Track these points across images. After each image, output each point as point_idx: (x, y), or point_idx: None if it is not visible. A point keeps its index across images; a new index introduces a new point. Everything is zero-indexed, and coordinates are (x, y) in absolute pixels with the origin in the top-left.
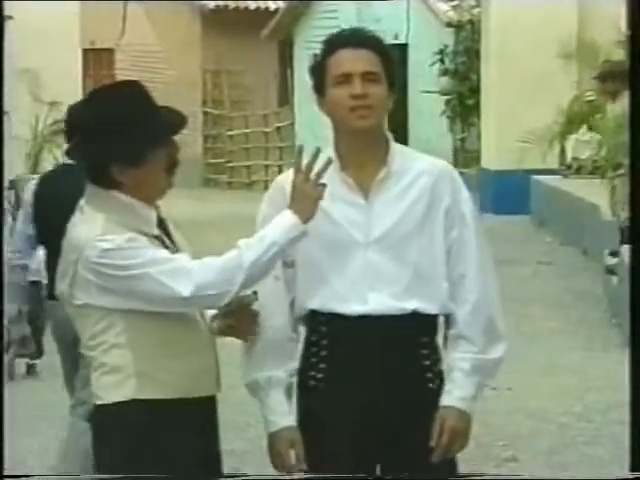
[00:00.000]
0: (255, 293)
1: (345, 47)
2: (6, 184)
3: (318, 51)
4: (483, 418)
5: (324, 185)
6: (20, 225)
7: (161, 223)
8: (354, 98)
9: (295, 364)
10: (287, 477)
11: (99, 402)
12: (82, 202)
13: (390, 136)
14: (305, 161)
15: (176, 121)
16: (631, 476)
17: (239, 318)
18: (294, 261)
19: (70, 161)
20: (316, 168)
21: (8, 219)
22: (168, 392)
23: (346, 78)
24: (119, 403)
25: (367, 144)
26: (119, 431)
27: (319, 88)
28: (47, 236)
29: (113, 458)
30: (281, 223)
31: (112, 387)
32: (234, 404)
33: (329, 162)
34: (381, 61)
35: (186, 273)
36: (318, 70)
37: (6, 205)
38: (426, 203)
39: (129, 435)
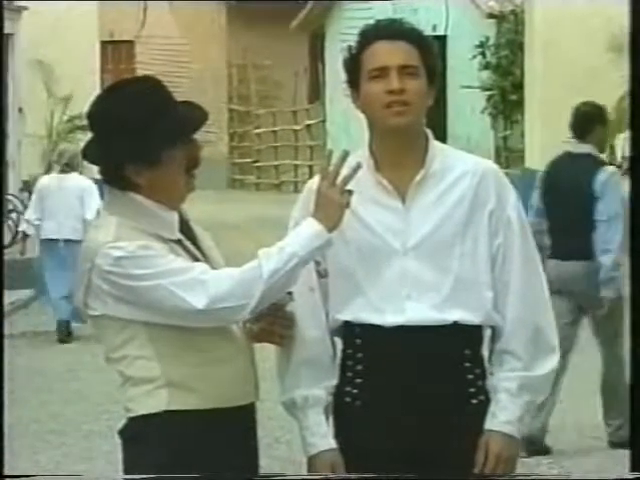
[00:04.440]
0: (290, 294)
1: (381, 39)
2: (19, 185)
3: (352, 43)
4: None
5: (351, 192)
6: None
7: (186, 226)
8: (390, 93)
9: (334, 381)
10: (322, 477)
11: (131, 415)
12: (100, 206)
13: (430, 134)
14: (332, 165)
15: (196, 118)
16: (631, 476)
17: (272, 321)
18: (327, 270)
19: (575, 149)
20: (343, 173)
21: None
22: (202, 402)
23: (382, 72)
24: (151, 415)
25: (404, 143)
26: (152, 445)
27: (353, 83)
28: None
29: (146, 473)
30: (304, 232)
31: (143, 398)
32: (261, 419)
33: (358, 167)
34: (420, 54)
35: (201, 284)
36: (352, 63)
37: (19, 207)
38: (468, 206)
39: (163, 449)
